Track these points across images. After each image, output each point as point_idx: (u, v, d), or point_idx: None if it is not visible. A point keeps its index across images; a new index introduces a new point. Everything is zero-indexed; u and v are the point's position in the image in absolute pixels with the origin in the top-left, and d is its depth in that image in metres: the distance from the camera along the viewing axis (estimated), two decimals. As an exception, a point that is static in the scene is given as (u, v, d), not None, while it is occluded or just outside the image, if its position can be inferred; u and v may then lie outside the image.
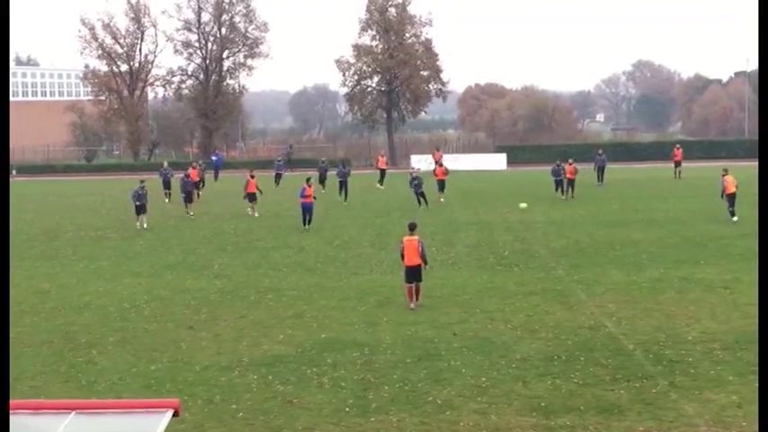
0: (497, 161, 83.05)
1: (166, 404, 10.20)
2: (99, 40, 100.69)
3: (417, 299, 25.28)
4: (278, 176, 65.64)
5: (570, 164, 52.65)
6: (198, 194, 54.07)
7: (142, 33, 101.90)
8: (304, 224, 41.83)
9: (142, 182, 45.63)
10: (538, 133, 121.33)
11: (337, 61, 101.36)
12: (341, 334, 22.52)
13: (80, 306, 26.68)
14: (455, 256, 34.05)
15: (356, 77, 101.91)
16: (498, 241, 37.41)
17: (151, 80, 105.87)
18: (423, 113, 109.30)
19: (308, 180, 43.37)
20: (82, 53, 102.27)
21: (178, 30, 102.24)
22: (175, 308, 26.10)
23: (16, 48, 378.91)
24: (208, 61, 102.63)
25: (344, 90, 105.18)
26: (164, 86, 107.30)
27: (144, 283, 29.86)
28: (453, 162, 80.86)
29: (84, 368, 20.29)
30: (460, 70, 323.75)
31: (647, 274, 29.07)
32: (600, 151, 64.91)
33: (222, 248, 37.20)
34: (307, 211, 42.01)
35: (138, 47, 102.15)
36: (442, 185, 53.44)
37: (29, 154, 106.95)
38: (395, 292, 27.18)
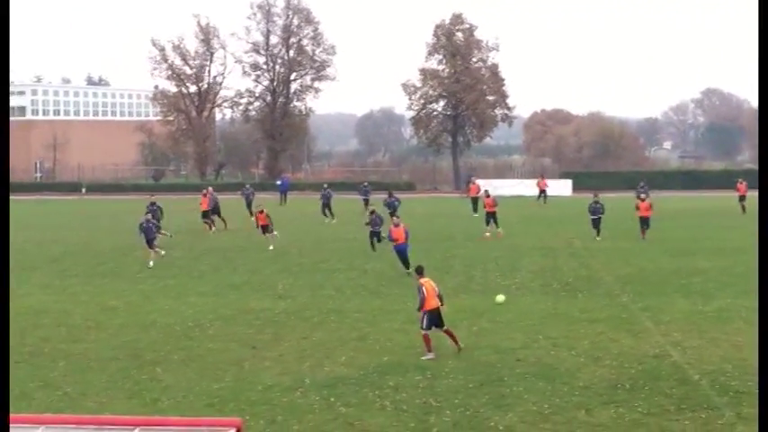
0: (563, 187, 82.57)
1: (230, 423, 10.29)
2: (169, 62, 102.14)
3: (457, 342, 23.06)
4: (366, 201, 62.89)
5: (642, 200, 47.17)
6: (211, 224, 51.42)
7: (211, 55, 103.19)
8: (406, 269, 34.83)
9: (153, 204, 46.04)
10: (604, 160, 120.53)
11: (404, 85, 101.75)
12: (403, 357, 22.50)
13: (146, 324, 26.95)
14: (519, 281, 33.89)
15: (422, 101, 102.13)
16: (563, 267, 37.17)
17: (219, 101, 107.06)
18: (488, 138, 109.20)
19: (392, 216, 40.38)
20: (152, 74, 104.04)
21: (247, 52, 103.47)
22: (239, 327, 26.26)
23: (88, 68, 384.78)
24: (275, 83, 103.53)
25: (410, 113, 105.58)
26: (231, 108, 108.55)
27: (209, 303, 30.09)
28: (517, 187, 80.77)
29: (149, 385, 20.48)
30: (526, 96, 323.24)
31: (714, 304, 28.68)
32: (641, 183, 62.52)
33: (287, 269, 37.38)
34: (400, 253, 35.88)
35: (207, 68, 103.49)
36: (490, 218, 47.92)
37: (98, 173, 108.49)
38: (458, 315, 27.09)
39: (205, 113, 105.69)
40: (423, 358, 22.25)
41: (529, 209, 64.59)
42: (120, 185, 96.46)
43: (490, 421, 17.64)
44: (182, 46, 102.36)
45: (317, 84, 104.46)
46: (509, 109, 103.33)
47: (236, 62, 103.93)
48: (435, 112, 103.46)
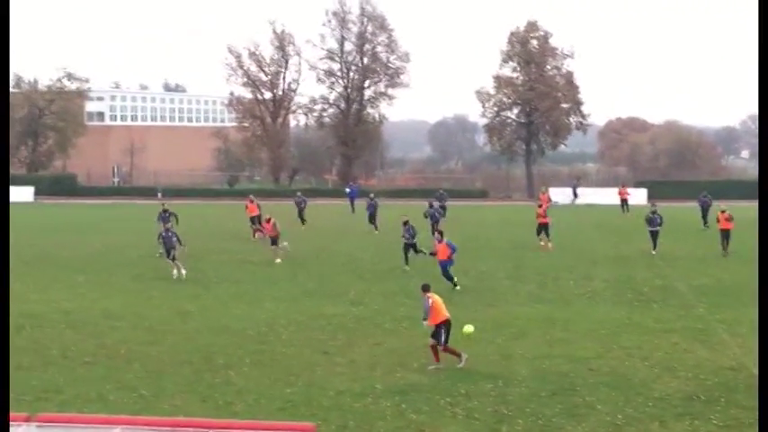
0: (638, 196, 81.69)
1: (302, 428, 10.37)
2: (244, 68, 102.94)
3: (459, 355, 22.60)
4: (443, 209, 62.47)
5: (722, 211, 44.88)
6: (257, 230, 50.43)
7: (286, 62, 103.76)
8: (453, 285, 33.67)
9: (165, 211, 45.39)
10: (680, 169, 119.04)
11: (477, 92, 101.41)
12: (475, 365, 22.43)
13: (220, 328, 27.20)
14: (593, 290, 33.62)
15: (496, 109, 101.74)
16: (637, 277, 36.79)
17: (293, 108, 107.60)
18: (562, 146, 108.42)
19: (438, 233, 36.77)
20: (228, 80, 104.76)
21: (321, 59, 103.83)
22: (312, 333, 26.39)
23: (165, 74, 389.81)
24: (349, 90, 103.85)
25: (484, 121, 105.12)
26: (305, 114, 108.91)
27: (282, 308, 30.28)
28: (592, 196, 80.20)
29: (222, 388, 20.66)
30: (602, 103, 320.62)
31: (793, 316, 28.16)
32: (704, 193, 60.31)
33: (359, 276, 37.48)
34: (442, 270, 34.29)
35: (282, 75, 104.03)
36: (541, 230, 46.41)
37: (174, 177, 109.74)
38: (530, 324, 26.99)
39: (279, 120, 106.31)
40: (429, 367, 22.14)
41: (602, 217, 64.03)
42: (196, 190, 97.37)
43: (563, 431, 17.52)
44: (257, 53, 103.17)
45: (390, 91, 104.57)
46: (584, 117, 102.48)
47: (310, 69, 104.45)
48: (509, 120, 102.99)
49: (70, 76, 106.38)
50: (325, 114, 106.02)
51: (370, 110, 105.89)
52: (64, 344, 25.15)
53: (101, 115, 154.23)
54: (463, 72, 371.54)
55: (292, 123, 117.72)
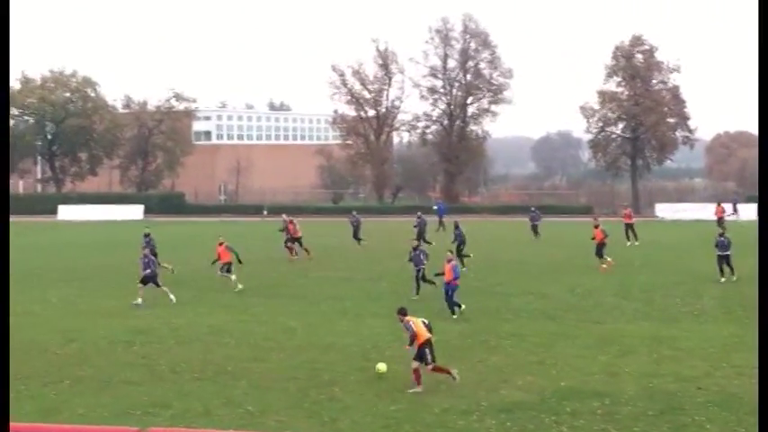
0: (748, 211, 79.98)
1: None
2: (348, 86, 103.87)
3: (449, 372, 22.45)
4: (535, 228, 61.73)
5: None
6: (295, 250, 50.13)
7: (390, 79, 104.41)
8: (451, 313, 32.07)
9: (147, 235, 43.43)
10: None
11: (582, 108, 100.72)
12: (581, 383, 22.19)
13: (325, 345, 27.35)
14: (701, 307, 33.04)
15: (600, 124, 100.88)
16: (747, 293, 35.98)
17: (397, 125, 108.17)
18: (668, 161, 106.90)
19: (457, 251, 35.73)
20: (332, 98, 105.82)
21: (425, 76, 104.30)
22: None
23: (270, 93, 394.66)
24: (452, 107, 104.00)
25: (588, 136, 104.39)
26: (409, 131, 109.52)
27: (386, 324, 30.28)
28: (699, 212, 78.78)
29: (328, 405, 20.77)
30: (709, 117, 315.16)
31: None
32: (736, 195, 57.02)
33: (462, 292, 37.32)
34: (446, 293, 32.54)
35: (386, 92, 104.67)
36: (600, 249, 44.76)
37: (279, 195, 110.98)
38: (637, 342, 26.62)
39: (383, 137, 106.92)
40: (410, 391, 21.62)
41: (710, 232, 62.73)
42: (301, 208, 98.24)
43: (671, 451, 17.22)
44: (361, 71, 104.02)
45: (493, 107, 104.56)
46: (690, 131, 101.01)
47: (413, 86, 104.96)
48: (614, 135, 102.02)
49: (178, 97, 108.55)
50: (428, 131, 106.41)
51: (473, 126, 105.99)
52: (172, 359, 25.57)
53: (208, 134, 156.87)
54: (567, 87, 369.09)
55: (395, 140, 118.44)
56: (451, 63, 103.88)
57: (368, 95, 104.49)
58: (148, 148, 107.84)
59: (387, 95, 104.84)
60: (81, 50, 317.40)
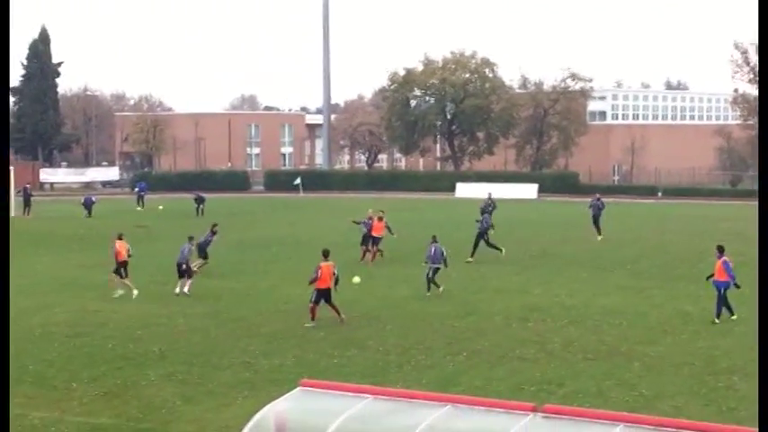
0: None
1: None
2: (751, 65, 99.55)
3: (339, 315, 27.08)
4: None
5: None
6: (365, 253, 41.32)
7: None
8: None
9: (214, 230, 38.44)
10: None
11: None
12: None
13: (723, 331, 26.55)
14: None
15: None
16: None
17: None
18: None
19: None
20: (733, 77, 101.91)
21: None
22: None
23: (667, 72, 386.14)
24: None
25: None
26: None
27: None
28: None
29: (725, 393, 20.20)
30: None
31: None
32: None
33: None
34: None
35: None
36: None
37: (674, 177, 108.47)
38: None
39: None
40: (305, 325, 26.59)
41: None
42: (697, 190, 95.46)
43: None
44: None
45: None
46: None
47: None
48: None
49: (574, 77, 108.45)
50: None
51: None
52: (566, 338, 25.77)
53: (602, 114, 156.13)
54: None
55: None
56: None
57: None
58: (543, 128, 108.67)
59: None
60: (481, 32, 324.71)
